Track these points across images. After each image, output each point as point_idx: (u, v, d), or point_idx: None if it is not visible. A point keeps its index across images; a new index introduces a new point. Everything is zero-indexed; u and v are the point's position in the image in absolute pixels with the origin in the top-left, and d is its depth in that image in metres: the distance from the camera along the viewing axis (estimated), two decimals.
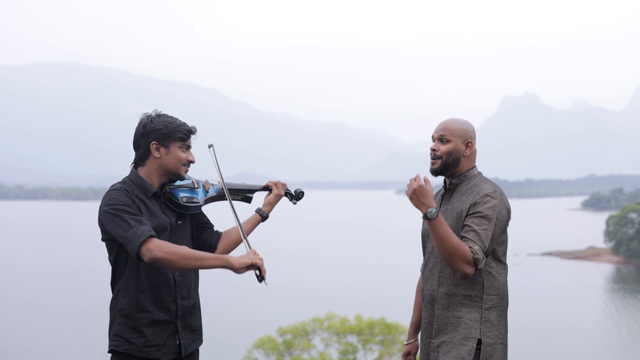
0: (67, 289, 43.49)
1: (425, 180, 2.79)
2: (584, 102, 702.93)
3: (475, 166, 2.99)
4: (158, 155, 2.81)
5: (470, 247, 2.75)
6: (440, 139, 2.95)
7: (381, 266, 55.95)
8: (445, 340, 2.86)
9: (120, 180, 2.86)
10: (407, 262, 51.66)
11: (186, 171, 2.90)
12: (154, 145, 2.81)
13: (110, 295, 2.86)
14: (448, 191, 2.98)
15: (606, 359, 29.28)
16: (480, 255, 2.75)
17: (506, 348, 2.90)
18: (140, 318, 2.75)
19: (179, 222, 2.90)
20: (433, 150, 2.97)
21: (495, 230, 2.81)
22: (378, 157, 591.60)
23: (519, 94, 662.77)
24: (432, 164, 2.97)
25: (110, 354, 2.82)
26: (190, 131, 2.87)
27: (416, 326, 3.19)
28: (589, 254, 66.32)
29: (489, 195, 2.83)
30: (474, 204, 2.83)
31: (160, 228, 2.78)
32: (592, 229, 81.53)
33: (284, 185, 3.18)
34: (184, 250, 2.65)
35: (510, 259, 50.61)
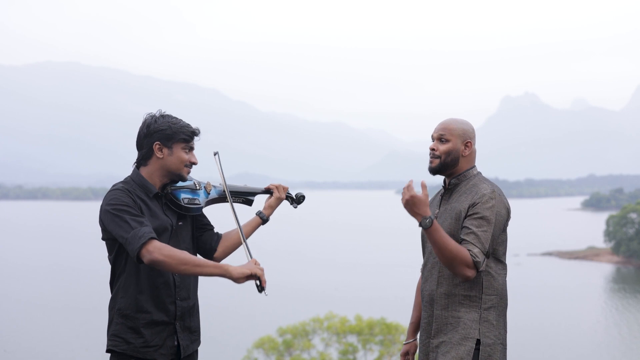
0: (67, 289, 43.48)
1: (422, 185, 2.75)
2: (584, 102, 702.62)
3: (474, 166, 2.99)
4: (161, 156, 2.82)
5: (469, 250, 2.76)
6: (440, 138, 2.96)
7: (381, 266, 55.92)
8: (444, 340, 2.86)
9: (121, 180, 2.86)
10: (407, 262, 51.64)
11: (188, 172, 2.90)
12: (157, 146, 2.81)
13: (109, 295, 2.86)
14: (447, 191, 2.99)
15: (606, 359, 29.28)
16: (481, 258, 2.76)
17: (505, 348, 2.90)
18: (139, 318, 2.75)
19: (180, 223, 2.90)
20: (432, 149, 2.98)
21: (494, 231, 2.81)
22: (378, 157, 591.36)
23: (519, 94, 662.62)
24: (431, 162, 2.97)
25: (108, 354, 2.82)
26: (194, 133, 2.88)
27: (415, 326, 3.19)
28: (589, 254, 66.29)
29: (488, 196, 2.83)
30: (473, 205, 2.83)
31: (161, 229, 2.78)
32: (592, 229, 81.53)
33: (285, 188, 3.20)
34: (184, 255, 2.64)
35: (510, 259, 50.68)
